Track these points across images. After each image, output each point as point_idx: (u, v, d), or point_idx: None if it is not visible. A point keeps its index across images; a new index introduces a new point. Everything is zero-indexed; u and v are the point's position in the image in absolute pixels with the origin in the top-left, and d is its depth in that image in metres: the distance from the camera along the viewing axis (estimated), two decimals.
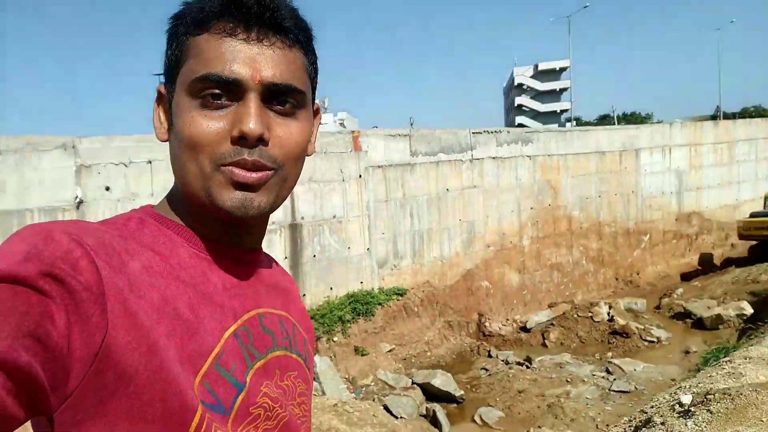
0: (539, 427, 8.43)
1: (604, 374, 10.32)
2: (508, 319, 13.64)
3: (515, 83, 70.28)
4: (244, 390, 0.73)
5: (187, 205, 0.79)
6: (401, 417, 8.34)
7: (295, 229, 11.56)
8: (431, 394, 9.64)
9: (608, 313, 12.89)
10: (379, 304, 11.42)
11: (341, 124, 46.83)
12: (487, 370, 10.86)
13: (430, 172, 13.36)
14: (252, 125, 0.71)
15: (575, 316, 13.01)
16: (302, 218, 12.26)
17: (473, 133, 14.75)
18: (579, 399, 9.42)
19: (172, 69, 0.77)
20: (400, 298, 11.85)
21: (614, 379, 9.98)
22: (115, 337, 0.60)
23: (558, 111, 66.89)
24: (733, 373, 4.04)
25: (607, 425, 8.41)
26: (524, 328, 13.06)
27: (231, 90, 0.72)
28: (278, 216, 12.27)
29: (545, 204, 16.17)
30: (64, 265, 0.58)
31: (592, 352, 11.89)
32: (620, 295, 15.99)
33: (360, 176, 12.14)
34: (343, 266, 11.77)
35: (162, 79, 0.83)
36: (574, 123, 48.89)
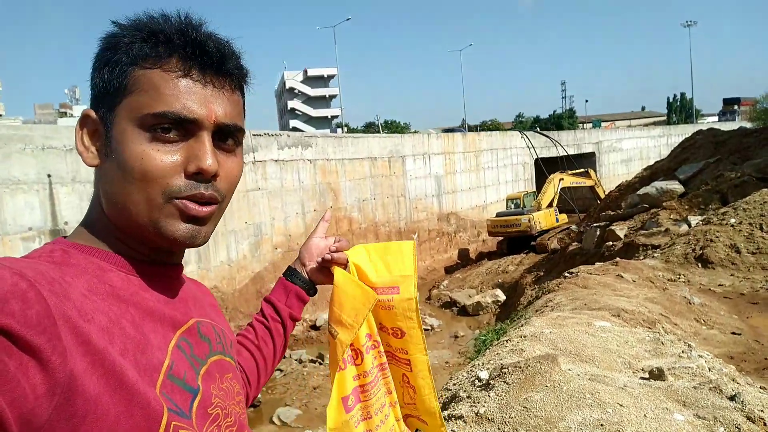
0: None
1: None
2: None
3: (287, 87, 70.78)
4: (199, 394, 0.78)
5: (115, 230, 0.80)
6: None
7: (57, 236, 10.24)
8: None
9: None
10: None
11: None
12: (281, 370, 10.94)
13: None
14: (210, 162, 0.76)
15: None
16: (66, 223, 10.96)
17: (254, 135, 14.66)
18: None
19: (108, 96, 0.77)
20: None
21: None
22: (75, 363, 0.60)
23: (329, 117, 69.20)
24: (515, 350, 4.70)
25: None
26: (314, 326, 13.42)
27: (184, 127, 0.76)
28: (36, 221, 10.78)
29: (327, 206, 16.73)
30: (13, 300, 0.57)
31: None
32: None
33: None
34: None
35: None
36: (345, 129, 51.21)
